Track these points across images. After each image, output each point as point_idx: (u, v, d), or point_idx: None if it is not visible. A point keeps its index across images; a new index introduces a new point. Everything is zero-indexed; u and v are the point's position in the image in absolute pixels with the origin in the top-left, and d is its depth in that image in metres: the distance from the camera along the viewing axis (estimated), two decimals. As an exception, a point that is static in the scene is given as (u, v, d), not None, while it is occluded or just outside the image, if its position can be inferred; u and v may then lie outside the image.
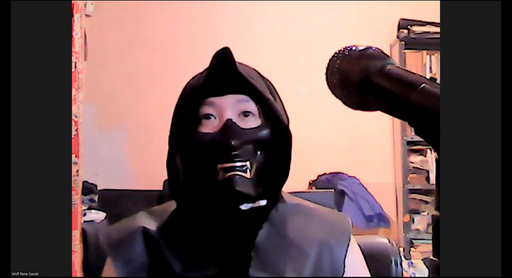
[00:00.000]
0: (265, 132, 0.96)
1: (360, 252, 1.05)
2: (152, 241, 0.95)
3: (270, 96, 0.98)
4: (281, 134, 0.97)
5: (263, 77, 1.02)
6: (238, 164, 0.92)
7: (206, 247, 0.94)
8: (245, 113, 0.96)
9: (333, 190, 3.22)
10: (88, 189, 2.94)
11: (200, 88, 0.96)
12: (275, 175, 0.97)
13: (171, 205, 1.03)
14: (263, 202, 0.98)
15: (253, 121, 0.96)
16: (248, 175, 0.93)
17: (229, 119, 0.94)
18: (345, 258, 0.98)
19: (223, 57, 0.94)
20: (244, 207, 0.96)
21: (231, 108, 0.95)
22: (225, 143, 0.92)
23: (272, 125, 0.97)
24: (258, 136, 0.95)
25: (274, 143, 0.96)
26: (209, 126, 0.95)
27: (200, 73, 1.01)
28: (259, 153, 0.95)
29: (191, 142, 0.95)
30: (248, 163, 0.94)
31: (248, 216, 0.96)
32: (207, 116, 0.96)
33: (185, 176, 0.97)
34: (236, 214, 0.96)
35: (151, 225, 0.98)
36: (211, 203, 0.95)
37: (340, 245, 0.99)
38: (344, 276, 0.97)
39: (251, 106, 0.97)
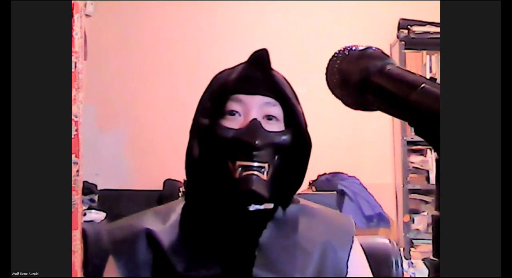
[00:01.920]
0: (287, 138, 0.97)
1: (363, 254, 1.05)
2: (155, 241, 0.95)
3: (297, 104, 1.00)
4: (302, 143, 0.98)
5: (290, 85, 1.03)
6: (256, 164, 0.94)
7: (209, 246, 0.95)
8: (269, 117, 0.98)
9: (335, 192, 3.22)
10: (88, 189, 2.94)
11: (232, 83, 0.97)
12: (289, 181, 0.98)
13: (176, 205, 1.03)
14: (270, 205, 0.98)
15: (276, 126, 0.98)
16: (264, 176, 0.94)
17: (255, 119, 0.95)
18: (348, 259, 0.98)
19: (261, 57, 0.96)
20: (251, 208, 0.96)
21: (258, 108, 0.97)
22: (249, 141, 0.93)
23: (293, 132, 0.98)
24: (280, 141, 0.96)
25: (293, 150, 0.98)
26: (233, 122, 0.96)
27: (231, 68, 1.02)
28: (277, 157, 0.97)
29: (212, 135, 0.96)
30: (266, 165, 0.95)
31: (253, 217, 0.97)
32: (232, 112, 0.97)
33: (201, 168, 0.97)
34: (242, 214, 0.96)
35: (155, 224, 0.98)
36: (221, 199, 0.96)
37: (343, 246, 0.99)
38: (347, 277, 0.97)
39: (277, 110, 0.98)
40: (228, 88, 0.97)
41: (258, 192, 0.92)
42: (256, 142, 0.92)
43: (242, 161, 0.93)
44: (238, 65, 1.00)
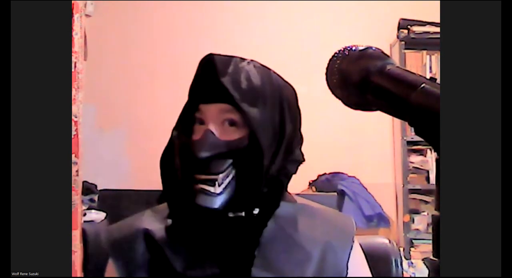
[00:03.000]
0: (242, 144, 0.93)
1: (363, 254, 1.05)
2: (154, 241, 0.95)
3: (253, 107, 0.93)
4: (254, 147, 0.93)
5: (279, 85, 0.98)
6: (207, 176, 0.92)
7: (208, 246, 0.95)
8: (231, 123, 0.94)
9: (335, 193, 3.22)
10: (88, 189, 2.94)
11: (190, 94, 0.96)
12: (247, 186, 0.94)
13: None
14: (255, 210, 0.97)
15: (235, 133, 0.94)
16: (215, 189, 0.92)
17: (207, 130, 0.93)
18: (348, 259, 0.98)
19: (206, 65, 0.94)
20: (231, 214, 0.95)
21: (215, 117, 0.94)
22: (195, 154, 0.91)
23: (249, 137, 0.94)
24: (233, 149, 0.93)
25: (247, 155, 0.93)
26: (197, 133, 0.95)
27: None
28: (233, 166, 0.93)
29: (181, 145, 0.95)
30: (220, 176, 0.92)
31: (240, 221, 0.95)
32: (198, 122, 0.96)
33: (176, 179, 0.96)
34: (224, 220, 0.95)
35: (154, 224, 0.98)
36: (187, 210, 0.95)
37: (344, 247, 0.99)
38: (347, 277, 0.97)
39: (234, 116, 0.94)
40: (191, 99, 0.96)
41: (204, 206, 0.91)
42: (201, 155, 0.91)
43: (196, 173, 0.93)
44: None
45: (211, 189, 0.92)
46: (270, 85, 0.97)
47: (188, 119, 0.96)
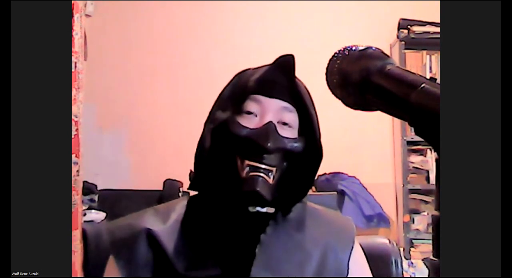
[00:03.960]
0: (299, 145, 0.97)
1: (364, 255, 1.05)
2: (156, 241, 0.95)
3: (314, 114, 1.00)
4: (313, 153, 0.98)
5: (309, 94, 1.03)
6: (265, 166, 0.94)
7: (210, 246, 0.95)
8: (285, 122, 0.97)
9: (335, 192, 3.22)
10: (88, 189, 2.94)
11: (253, 84, 0.97)
12: (294, 188, 0.98)
13: (176, 204, 1.03)
14: (271, 210, 0.98)
15: (290, 132, 0.98)
16: (270, 180, 0.94)
17: (271, 122, 0.95)
18: (349, 260, 0.98)
19: (286, 62, 0.96)
20: (252, 209, 0.96)
21: (275, 112, 0.97)
22: (261, 143, 0.93)
23: (306, 141, 0.98)
24: (291, 147, 0.96)
25: (303, 159, 0.97)
26: (249, 122, 0.96)
27: (255, 68, 1.02)
28: (286, 163, 0.96)
29: (226, 130, 0.96)
30: (274, 169, 0.95)
31: (253, 219, 0.96)
32: (249, 112, 0.97)
33: (210, 161, 0.97)
34: (243, 214, 0.96)
35: (155, 224, 0.98)
36: (225, 196, 0.96)
37: (344, 248, 0.99)
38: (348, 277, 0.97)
39: (293, 117, 0.98)
40: (249, 87, 0.97)
41: (261, 193, 0.92)
42: (268, 144, 0.93)
43: (251, 161, 0.94)
44: (263, 66, 1.01)
45: (269, 179, 0.94)
46: (307, 91, 1.03)
47: (240, 105, 0.97)
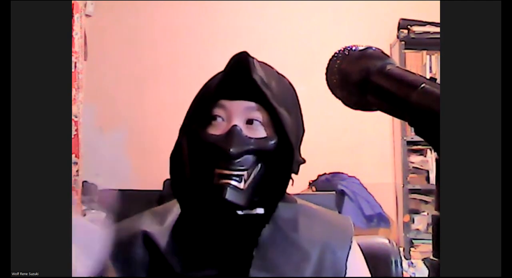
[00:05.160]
0: (269, 144, 0.94)
1: (362, 255, 1.05)
2: (153, 243, 0.95)
3: (281, 108, 0.95)
4: (285, 149, 0.95)
5: (291, 88, 1.01)
6: (234, 172, 0.92)
7: (207, 247, 0.95)
8: (252, 122, 0.95)
9: (334, 192, 3.22)
10: (88, 189, 2.94)
11: (214, 89, 0.95)
12: (272, 187, 0.96)
13: (173, 205, 1.03)
14: (260, 210, 0.97)
15: (260, 131, 0.95)
16: (241, 185, 0.92)
17: (235, 126, 0.93)
18: (347, 260, 0.98)
19: (239, 61, 0.93)
20: (240, 212, 0.96)
21: (240, 114, 0.95)
22: (225, 149, 0.91)
23: (278, 138, 0.95)
24: (261, 147, 0.94)
25: (277, 156, 0.95)
26: (217, 128, 0.95)
27: (219, 73, 1.00)
28: (259, 164, 0.94)
29: (197, 140, 0.95)
30: (245, 173, 0.93)
31: (247, 220, 0.96)
32: (216, 117, 0.95)
33: (188, 172, 0.97)
34: (233, 218, 0.96)
35: (152, 226, 0.98)
36: (206, 204, 0.95)
37: (342, 247, 0.99)
38: (346, 277, 0.97)
39: (260, 115, 0.95)
40: (211, 93, 0.95)
41: (232, 201, 0.91)
42: (231, 150, 0.91)
43: (220, 168, 0.92)
44: (222, 71, 0.99)
45: (239, 184, 0.92)
46: (287, 86, 1.00)
47: (207, 113, 0.96)
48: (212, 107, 0.95)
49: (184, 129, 0.97)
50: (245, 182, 0.93)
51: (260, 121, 0.95)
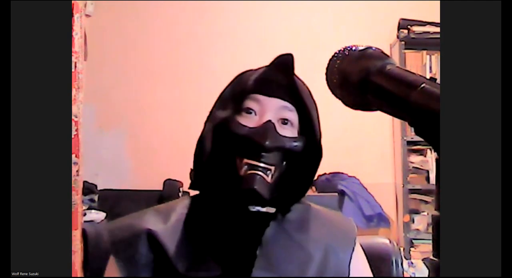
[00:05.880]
0: (298, 144, 0.97)
1: (364, 256, 1.05)
2: (157, 241, 0.95)
3: (315, 113, 1.00)
4: (313, 152, 0.99)
5: (311, 94, 1.04)
6: (263, 165, 0.94)
7: (211, 246, 0.95)
8: (284, 121, 0.98)
9: (336, 194, 3.22)
10: (88, 189, 2.94)
11: (252, 83, 0.98)
12: (293, 188, 0.98)
13: (176, 204, 1.03)
14: (272, 209, 0.98)
15: (289, 131, 0.98)
16: (269, 178, 0.95)
17: (270, 121, 0.96)
18: (350, 261, 0.98)
19: (285, 61, 0.97)
20: (252, 208, 0.96)
21: (274, 111, 0.97)
22: (260, 142, 0.93)
23: (306, 141, 0.98)
24: (290, 147, 0.96)
25: (303, 158, 0.98)
26: (248, 121, 0.97)
27: (256, 69, 1.03)
28: (285, 162, 0.97)
29: (226, 129, 0.96)
30: (272, 168, 0.95)
31: (254, 218, 0.97)
32: (249, 110, 0.97)
33: (209, 160, 0.98)
34: (243, 214, 0.96)
35: (156, 224, 0.98)
36: (224, 194, 0.96)
37: (345, 249, 0.99)
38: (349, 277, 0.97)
39: (293, 116, 0.99)
40: (248, 87, 0.98)
41: (259, 191, 0.92)
42: (266, 143, 0.93)
43: (249, 159, 0.94)
44: (263, 67, 1.02)
45: (267, 177, 0.94)
46: (308, 91, 1.03)
47: (238, 104, 0.98)
48: (244, 100, 0.97)
49: (213, 119, 0.99)
50: (272, 177, 0.95)
51: (292, 122, 0.98)
